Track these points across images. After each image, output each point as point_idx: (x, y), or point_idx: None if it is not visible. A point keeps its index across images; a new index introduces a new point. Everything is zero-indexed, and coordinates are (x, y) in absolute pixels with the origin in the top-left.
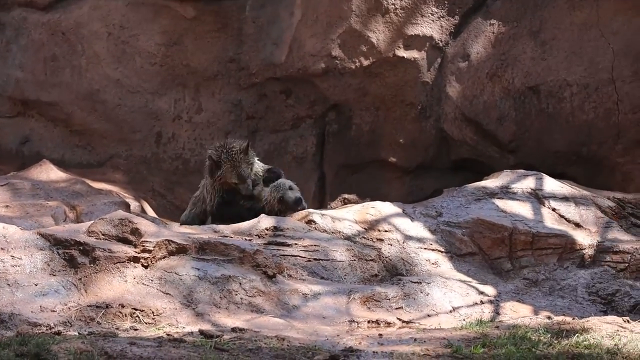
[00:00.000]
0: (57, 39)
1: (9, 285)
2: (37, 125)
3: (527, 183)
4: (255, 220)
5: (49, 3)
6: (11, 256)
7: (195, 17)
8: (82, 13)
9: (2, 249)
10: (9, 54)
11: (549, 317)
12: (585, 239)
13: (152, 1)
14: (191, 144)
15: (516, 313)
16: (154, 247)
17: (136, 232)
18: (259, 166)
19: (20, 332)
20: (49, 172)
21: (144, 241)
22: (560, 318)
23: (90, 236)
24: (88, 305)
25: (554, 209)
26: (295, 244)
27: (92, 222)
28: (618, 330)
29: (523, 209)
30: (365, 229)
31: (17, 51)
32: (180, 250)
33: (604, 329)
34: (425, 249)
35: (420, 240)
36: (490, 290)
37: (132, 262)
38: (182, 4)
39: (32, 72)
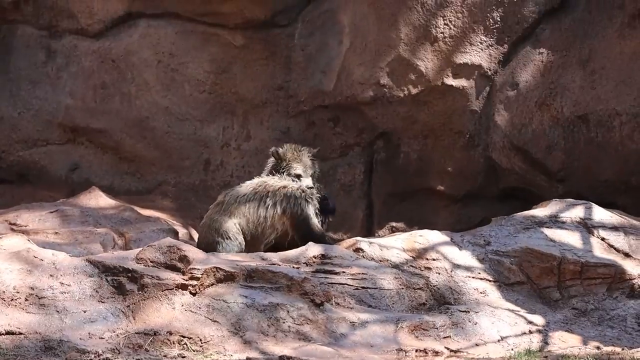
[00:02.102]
0: (107, 67)
1: (57, 312)
2: (87, 152)
3: (576, 212)
4: (303, 248)
5: (100, 31)
6: (60, 283)
7: (244, 45)
8: (132, 41)
9: (51, 275)
10: (59, 81)
11: (598, 348)
12: (635, 269)
13: (201, 29)
14: (239, 172)
15: (565, 343)
16: (202, 274)
17: (184, 259)
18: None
19: (68, 359)
20: (98, 199)
21: (192, 268)
22: (609, 348)
23: (138, 263)
24: (136, 333)
25: (603, 239)
26: (343, 272)
27: (141, 249)
28: None
29: (572, 238)
30: (413, 257)
31: (67, 78)
32: (228, 277)
33: None
34: (473, 277)
35: (468, 269)
36: (538, 319)
37: (180, 290)
38: (231, 32)
39: (82, 99)
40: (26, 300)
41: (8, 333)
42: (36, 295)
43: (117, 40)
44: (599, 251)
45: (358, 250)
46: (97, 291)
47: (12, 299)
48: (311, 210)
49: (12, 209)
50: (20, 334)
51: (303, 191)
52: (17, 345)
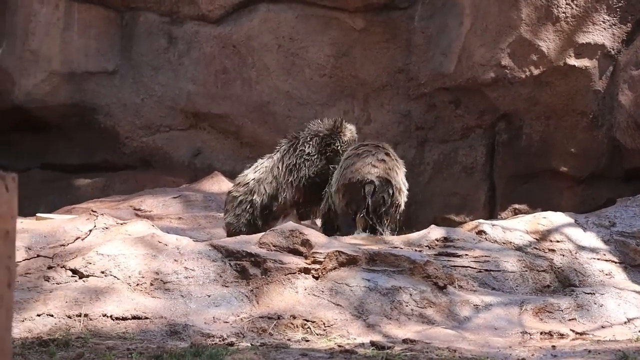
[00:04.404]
0: (228, 52)
1: (182, 296)
2: (209, 138)
3: None
4: (425, 230)
5: (220, 16)
6: (184, 268)
7: (364, 28)
8: (252, 26)
9: (175, 260)
10: (181, 67)
11: None
12: None
13: (321, 13)
14: None
15: None
16: (325, 258)
17: (307, 243)
18: None
19: (194, 343)
20: (221, 184)
21: (315, 252)
22: None
23: (261, 247)
24: (260, 317)
25: None
26: (466, 254)
27: (263, 233)
28: None
29: None
30: (536, 239)
31: (189, 64)
32: (350, 261)
33: None
34: (598, 259)
35: (593, 250)
36: None
37: (302, 273)
38: (351, 15)
39: (204, 85)
40: (151, 285)
41: (134, 318)
42: (161, 280)
43: (238, 25)
44: None
45: (480, 232)
46: (220, 275)
47: (138, 284)
48: None
49: (136, 194)
50: (146, 318)
51: None
52: (143, 329)
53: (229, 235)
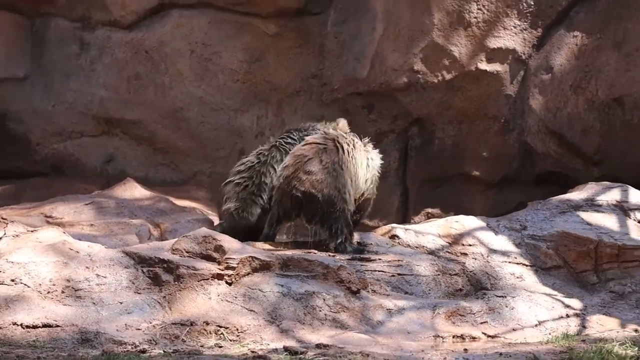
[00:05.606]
0: (141, 58)
1: (94, 303)
2: (121, 144)
3: (612, 195)
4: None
5: (133, 22)
6: (96, 274)
7: (277, 33)
8: (165, 31)
9: (87, 267)
10: (93, 73)
11: (636, 331)
12: None
13: (234, 18)
14: None
15: (603, 326)
16: (238, 264)
17: (220, 249)
18: None
19: (105, 351)
20: (133, 191)
21: (228, 258)
22: None
23: (174, 254)
24: (173, 323)
25: (639, 221)
26: (379, 259)
27: (176, 239)
28: None
29: (608, 221)
30: (449, 243)
31: (101, 70)
32: (263, 266)
33: None
34: (509, 262)
35: (504, 253)
36: (576, 303)
37: (216, 279)
38: (264, 21)
39: (116, 91)
40: (62, 292)
41: (45, 326)
42: (72, 287)
43: (150, 31)
44: (636, 234)
45: (394, 237)
46: (133, 282)
47: (49, 292)
48: None
49: (48, 201)
50: (57, 326)
51: None
52: (53, 337)
53: (231, 223)
